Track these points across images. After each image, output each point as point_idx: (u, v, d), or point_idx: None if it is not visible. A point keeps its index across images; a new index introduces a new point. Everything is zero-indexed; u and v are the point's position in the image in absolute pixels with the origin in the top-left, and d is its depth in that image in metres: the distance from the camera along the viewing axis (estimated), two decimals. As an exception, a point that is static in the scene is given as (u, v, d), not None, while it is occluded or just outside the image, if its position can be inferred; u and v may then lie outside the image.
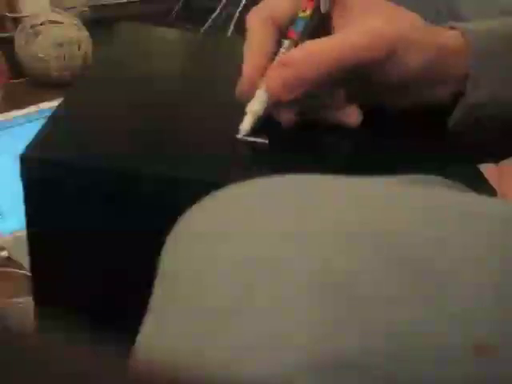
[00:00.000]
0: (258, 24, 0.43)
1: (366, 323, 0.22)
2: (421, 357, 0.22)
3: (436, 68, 0.42)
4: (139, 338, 0.26)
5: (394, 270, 0.23)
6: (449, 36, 0.43)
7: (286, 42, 0.42)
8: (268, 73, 0.40)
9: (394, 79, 0.42)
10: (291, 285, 0.23)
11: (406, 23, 0.41)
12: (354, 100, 0.43)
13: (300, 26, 0.42)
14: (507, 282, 0.23)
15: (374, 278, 0.23)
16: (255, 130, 0.41)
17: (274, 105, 0.41)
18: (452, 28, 0.44)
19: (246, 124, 0.40)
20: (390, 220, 0.25)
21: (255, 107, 0.40)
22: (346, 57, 0.39)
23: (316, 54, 0.39)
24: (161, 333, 0.24)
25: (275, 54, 0.42)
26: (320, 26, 0.42)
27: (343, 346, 0.21)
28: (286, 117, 0.42)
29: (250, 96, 0.41)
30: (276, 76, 0.40)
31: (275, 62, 0.41)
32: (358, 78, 0.41)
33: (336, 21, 0.42)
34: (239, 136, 0.40)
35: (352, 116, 0.43)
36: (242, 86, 0.42)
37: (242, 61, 0.43)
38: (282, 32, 0.43)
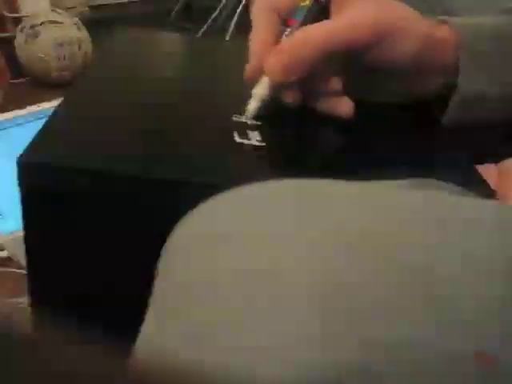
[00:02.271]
0: (262, 14, 0.46)
1: (366, 334, 0.22)
2: (421, 367, 0.21)
3: (425, 56, 0.44)
4: (139, 338, 0.26)
5: (394, 278, 0.23)
6: (437, 27, 0.45)
7: (287, 30, 0.45)
8: (267, 59, 0.43)
9: (384, 66, 0.44)
10: (290, 296, 0.22)
11: (397, 12, 0.44)
12: (349, 89, 0.45)
13: (300, 15, 0.45)
14: (508, 287, 0.23)
15: (373, 288, 0.23)
16: (261, 114, 0.44)
17: (277, 88, 0.44)
18: (440, 21, 0.46)
19: (252, 106, 0.44)
20: (390, 227, 0.25)
21: (260, 91, 0.44)
22: (335, 40, 0.42)
23: (309, 37, 0.43)
24: (161, 334, 0.24)
25: (279, 41, 0.45)
26: (320, 15, 0.45)
27: (343, 359, 0.21)
28: (291, 98, 0.45)
29: (256, 81, 0.44)
30: (274, 61, 0.43)
31: (274, 49, 0.44)
32: (350, 63, 0.43)
33: (333, 9, 0.45)
34: (247, 120, 0.43)
35: (345, 106, 0.45)
36: (248, 72, 0.45)
37: (240, 63, 0.44)
38: (284, 21, 0.46)
